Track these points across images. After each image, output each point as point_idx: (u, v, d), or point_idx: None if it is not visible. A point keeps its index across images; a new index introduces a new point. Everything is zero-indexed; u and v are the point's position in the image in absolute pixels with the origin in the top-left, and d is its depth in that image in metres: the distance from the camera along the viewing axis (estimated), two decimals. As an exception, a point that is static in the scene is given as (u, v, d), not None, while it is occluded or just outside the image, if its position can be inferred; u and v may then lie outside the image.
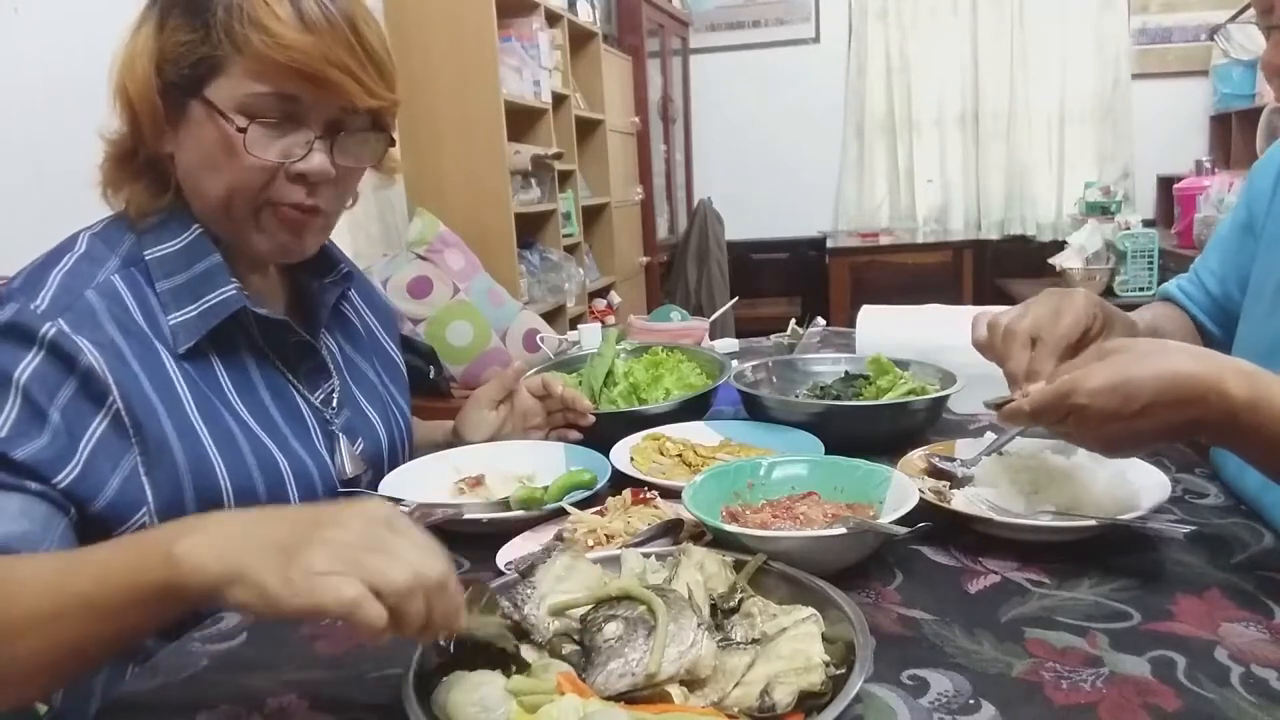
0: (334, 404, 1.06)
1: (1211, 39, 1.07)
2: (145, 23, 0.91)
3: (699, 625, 0.63)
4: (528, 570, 0.70)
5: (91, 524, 0.83)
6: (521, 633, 0.65)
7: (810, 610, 0.67)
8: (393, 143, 1.00)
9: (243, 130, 0.87)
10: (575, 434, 1.21)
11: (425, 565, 0.57)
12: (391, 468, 1.11)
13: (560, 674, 0.61)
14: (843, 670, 0.61)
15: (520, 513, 0.97)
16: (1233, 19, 0.94)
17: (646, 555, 0.76)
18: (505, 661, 0.63)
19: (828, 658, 0.62)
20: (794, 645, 0.63)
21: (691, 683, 0.61)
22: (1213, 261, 1.23)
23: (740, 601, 0.70)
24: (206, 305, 0.92)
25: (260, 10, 0.85)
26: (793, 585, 0.72)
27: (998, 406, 0.87)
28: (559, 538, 0.89)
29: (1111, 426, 0.78)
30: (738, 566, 0.74)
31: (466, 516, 0.96)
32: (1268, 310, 1.05)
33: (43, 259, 0.91)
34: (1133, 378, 0.76)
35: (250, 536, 0.58)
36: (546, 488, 1.02)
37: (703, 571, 0.72)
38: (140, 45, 0.90)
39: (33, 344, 0.81)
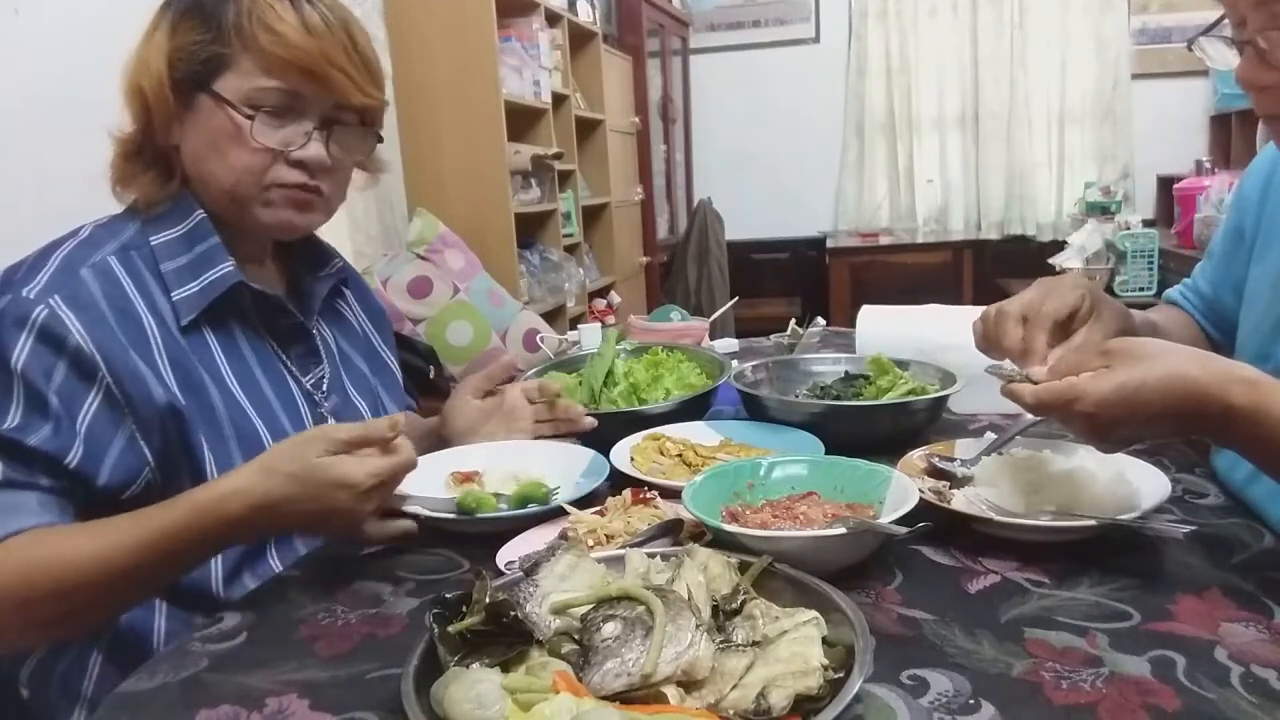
0: (324, 388, 1.11)
1: (1189, 49, 1.07)
2: (158, 27, 1.00)
3: (697, 626, 0.63)
4: (531, 568, 0.70)
5: (97, 497, 0.90)
6: (521, 630, 0.65)
7: (812, 613, 0.67)
8: (380, 139, 1.09)
9: (250, 118, 0.97)
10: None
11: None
12: None
13: (556, 672, 0.61)
14: (841, 674, 0.61)
15: (452, 514, 0.98)
16: (1205, 32, 0.92)
17: (651, 555, 0.75)
18: (505, 660, 0.63)
19: (826, 661, 0.62)
20: (793, 648, 0.63)
21: (688, 684, 0.61)
22: (1207, 266, 1.25)
23: (743, 603, 0.70)
24: (207, 281, 0.99)
25: (269, 14, 0.96)
26: (796, 587, 0.72)
27: (1004, 378, 0.87)
28: (564, 536, 0.90)
29: (1114, 430, 0.79)
30: (742, 568, 0.74)
31: (405, 509, 0.97)
32: (1261, 315, 1.05)
33: (47, 245, 0.97)
34: (1143, 388, 0.76)
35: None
36: (498, 494, 1.03)
37: (706, 573, 0.72)
38: (154, 46, 0.99)
39: (23, 329, 0.87)
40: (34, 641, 0.90)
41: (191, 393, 0.95)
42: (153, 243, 0.99)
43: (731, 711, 0.60)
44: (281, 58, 0.95)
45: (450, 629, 0.65)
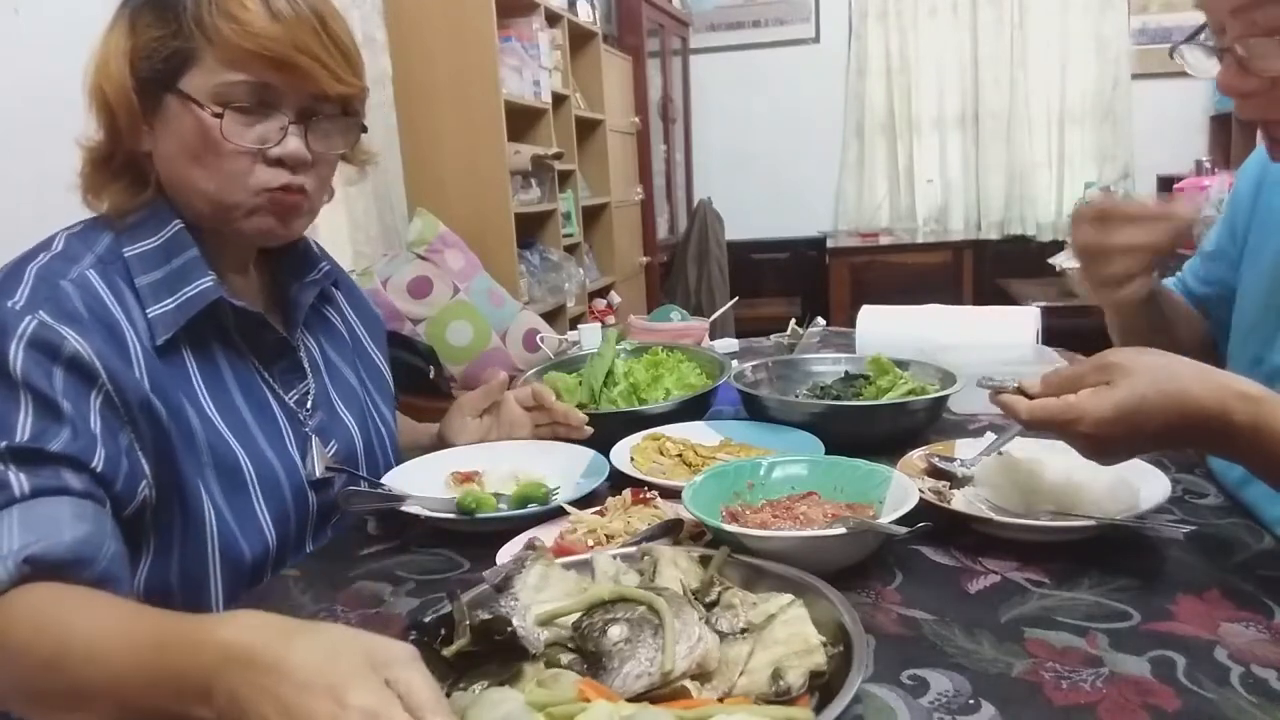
0: (309, 405, 1.05)
1: (1171, 56, 1.08)
2: (117, 25, 0.93)
3: (700, 619, 0.63)
4: (504, 583, 0.68)
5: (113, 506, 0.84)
6: (514, 647, 0.63)
7: (789, 595, 0.68)
8: (364, 129, 1.02)
9: (219, 116, 0.90)
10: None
11: None
12: (370, 472, 1.11)
13: (581, 681, 0.59)
14: (840, 648, 0.63)
15: (452, 514, 0.99)
16: (1187, 40, 0.92)
17: (614, 557, 0.75)
18: (504, 679, 0.62)
19: (824, 638, 0.63)
20: (788, 629, 0.64)
21: (701, 676, 0.62)
22: (1199, 264, 1.25)
23: (719, 594, 0.70)
24: (184, 297, 0.93)
25: (230, 2, 0.88)
26: (758, 574, 0.73)
27: (995, 388, 0.86)
28: (530, 546, 0.87)
29: (1114, 446, 0.79)
30: (703, 561, 0.75)
31: (405, 509, 0.99)
32: (1256, 319, 1.06)
33: (18, 258, 0.91)
34: (1142, 407, 0.75)
35: None
36: (498, 494, 1.03)
37: (677, 568, 0.73)
38: (113, 46, 0.92)
39: (12, 339, 0.81)
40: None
41: (172, 415, 0.89)
42: (126, 255, 0.92)
43: (751, 696, 0.61)
44: (247, 49, 0.88)
45: (444, 653, 0.63)
